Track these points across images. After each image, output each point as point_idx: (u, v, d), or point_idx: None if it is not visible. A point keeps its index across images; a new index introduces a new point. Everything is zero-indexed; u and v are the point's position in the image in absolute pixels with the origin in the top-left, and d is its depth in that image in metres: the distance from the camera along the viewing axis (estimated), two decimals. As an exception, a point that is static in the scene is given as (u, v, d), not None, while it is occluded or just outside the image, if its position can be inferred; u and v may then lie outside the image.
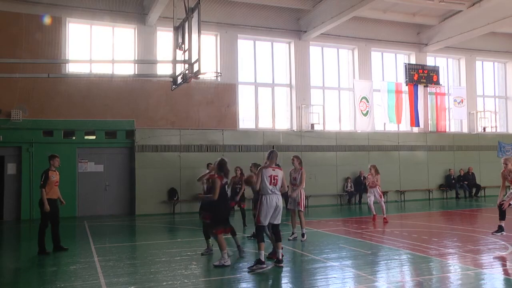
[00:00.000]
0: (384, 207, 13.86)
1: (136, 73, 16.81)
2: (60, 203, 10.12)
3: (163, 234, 13.22)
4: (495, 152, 23.01)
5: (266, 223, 8.04)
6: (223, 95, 18.18)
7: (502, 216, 9.93)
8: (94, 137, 16.83)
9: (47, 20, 15.80)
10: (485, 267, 8.01)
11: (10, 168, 15.85)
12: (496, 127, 23.26)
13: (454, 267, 8.15)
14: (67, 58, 16.55)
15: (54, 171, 9.97)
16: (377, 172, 14.00)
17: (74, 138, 16.54)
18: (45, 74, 12.87)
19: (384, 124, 21.40)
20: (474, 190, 21.83)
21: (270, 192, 8.02)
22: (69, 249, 9.97)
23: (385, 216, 13.68)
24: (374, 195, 13.87)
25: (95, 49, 17.09)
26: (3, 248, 11.30)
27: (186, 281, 7.17)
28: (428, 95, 21.87)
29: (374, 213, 13.86)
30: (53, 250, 9.78)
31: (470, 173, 21.86)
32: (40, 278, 7.88)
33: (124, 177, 17.11)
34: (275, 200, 8.04)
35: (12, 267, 8.89)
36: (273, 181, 8.11)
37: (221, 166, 8.57)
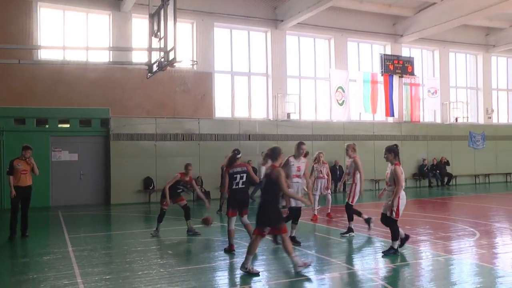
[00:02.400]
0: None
1: (111, 60, 16.53)
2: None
3: (139, 223, 13.15)
4: (467, 142, 23.57)
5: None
6: (199, 83, 18.06)
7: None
8: (68, 126, 16.55)
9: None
10: (455, 253, 8.24)
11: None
12: (467, 117, 23.78)
13: (426, 254, 8.36)
14: (39, 44, 16.14)
15: (23, 159, 10.34)
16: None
17: (47, 126, 16.23)
18: (15, 60, 12.49)
19: (360, 114, 21.63)
20: (446, 179, 22.33)
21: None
22: (28, 236, 10.23)
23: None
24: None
25: (68, 35, 16.71)
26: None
27: (161, 270, 7.17)
28: (403, 86, 22.17)
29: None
30: (21, 235, 10.19)
31: (443, 163, 22.32)
32: (12, 269, 7.76)
33: (99, 166, 16.90)
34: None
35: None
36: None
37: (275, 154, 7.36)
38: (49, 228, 11.95)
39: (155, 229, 10.36)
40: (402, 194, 7.94)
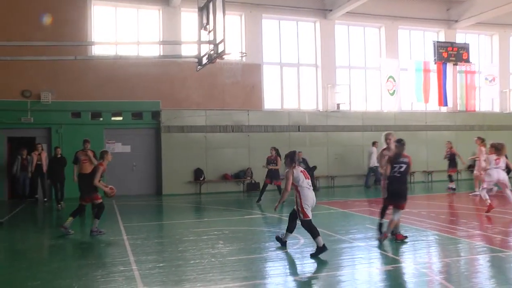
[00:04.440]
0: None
1: (162, 54, 16.86)
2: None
3: (190, 213, 13.41)
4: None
5: None
6: (248, 75, 18.10)
7: None
8: (120, 118, 17.06)
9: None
10: (516, 249, 7.86)
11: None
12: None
13: (484, 249, 8.03)
14: (93, 41, 16.70)
15: (83, 151, 12.06)
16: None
17: (101, 119, 16.81)
18: (71, 57, 13.03)
19: (412, 103, 21.01)
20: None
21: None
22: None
23: None
24: None
25: (120, 31, 17.18)
26: (36, 227, 11.65)
27: (213, 259, 7.26)
28: (458, 74, 21.30)
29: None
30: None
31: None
32: (73, 255, 8.11)
33: (151, 158, 17.33)
34: None
35: (46, 244, 9.17)
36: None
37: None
38: (104, 217, 12.31)
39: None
40: (304, 194, 7.47)
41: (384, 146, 9.37)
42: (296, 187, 7.54)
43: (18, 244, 8.99)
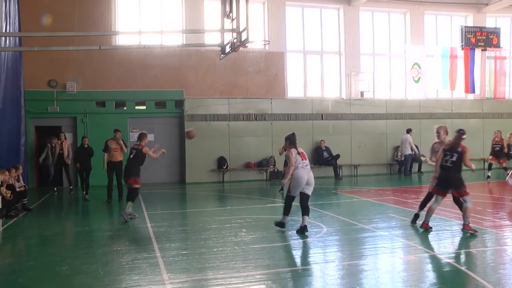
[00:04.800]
0: None
1: (185, 43, 16.89)
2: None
3: (213, 202, 13.52)
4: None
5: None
6: (271, 63, 18.02)
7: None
8: (144, 107, 17.23)
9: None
10: (544, 240, 7.71)
11: (67, 138, 16.52)
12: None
13: (511, 240, 7.88)
14: (117, 30, 16.85)
15: (114, 140, 12.55)
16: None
17: (125, 108, 17.01)
18: (96, 46, 13.15)
19: (437, 91, 20.60)
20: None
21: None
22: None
23: None
24: None
25: (144, 21, 17.27)
26: (63, 215, 11.93)
27: (236, 248, 7.33)
28: (486, 59, 20.74)
29: None
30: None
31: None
32: (99, 241, 8.29)
33: (174, 146, 17.49)
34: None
35: (73, 231, 9.39)
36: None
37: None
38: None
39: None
40: (297, 173, 8.18)
41: (436, 140, 9.13)
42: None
43: (47, 231, 9.22)
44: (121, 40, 16.91)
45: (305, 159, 8.34)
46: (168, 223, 9.53)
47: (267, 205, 12.01)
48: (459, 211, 9.71)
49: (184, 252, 7.13)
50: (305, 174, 8.23)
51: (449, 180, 8.14)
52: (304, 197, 8.29)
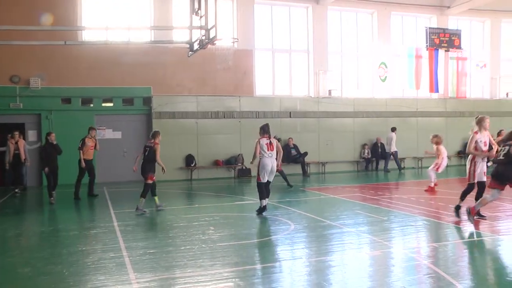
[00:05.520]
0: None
1: (153, 39, 16.71)
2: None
3: (181, 200, 13.43)
4: (517, 118, 22.57)
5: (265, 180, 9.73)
6: (240, 61, 18.02)
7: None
8: (111, 104, 16.96)
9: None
10: (503, 234, 8.00)
11: (31, 135, 16.13)
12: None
13: (471, 233, 8.15)
14: (83, 25, 16.50)
15: (90, 138, 12.95)
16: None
17: (92, 105, 16.70)
18: (61, 42, 12.88)
19: (403, 90, 21.06)
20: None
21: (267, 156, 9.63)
22: (98, 195, 12.91)
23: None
24: None
25: (111, 16, 16.95)
26: (28, 213, 11.62)
27: (203, 246, 7.31)
28: (449, 60, 21.33)
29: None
30: (87, 195, 12.96)
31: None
32: (63, 241, 8.11)
33: (142, 144, 17.11)
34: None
35: (37, 231, 9.16)
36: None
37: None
38: (95, 203, 12.38)
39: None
40: (263, 162, 9.56)
41: (476, 129, 9.25)
42: (261, 155, 9.57)
43: (8, 232, 8.96)
44: (87, 35, 16.57)
45: (271, 150, 9.59)
46: (135, 222, 9.43)
47: (235, 203, 12.02)
48: (424, 207, 9.99)
49: (151, 251, 7.06)
50: (269, 162, 9.55)
51: (503, 173, 8.27)
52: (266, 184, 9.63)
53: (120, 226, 8.89)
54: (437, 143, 13.42)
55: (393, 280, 5.74)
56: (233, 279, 5.77)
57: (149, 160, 10.47)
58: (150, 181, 10.46)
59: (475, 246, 7.35)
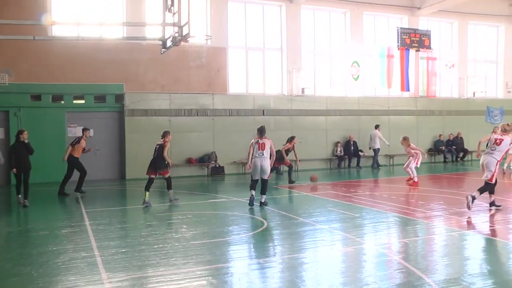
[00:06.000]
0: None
1: (125, 36, 16.46)
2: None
3: (154, 198, 13.28)
4: (484, 117, 23.22)
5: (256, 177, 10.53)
6: (213, 58, 17.96)
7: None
8: (83, 102, 16.66)
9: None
10: (469, 228, 8.23)
11: (-1, 132, 15.74)
12: (485, 92, 23.32)
13: (440, 229, 8.36)
14: (53, 20, 16.11)
15: (85, 139, 13.17)
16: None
17: (62, 102, 16.37)
18: (30, 36, 12.57)
19: (375, 88, 21.37)
20: (461, 154, 22.14)
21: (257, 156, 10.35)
22: (86, 192, 12.88)
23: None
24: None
25: (82, 11, 16.65)
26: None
27: (176, 244, 7.28)
28: (420, 60, 21.76)
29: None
30: (75, 190, 12.86)
31: (459, 138, 22.08)
32: (33, 241, 7.95)
33: (114, 142, 17.07)
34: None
35: (4, 231, 8.94)
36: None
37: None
38: (66, 202, 12.17)
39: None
40: (253, 161, 10.33)
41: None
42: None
43: (-25, 231, 8.74)
44: (58, 30, 16.21)
45: (262, 150, 10.21)
46: (107, 221, 9.31)
47: (209, 201, 12.01)
48: (396, 203, 10.19)
49: (123, 250, 6.99)
50: (258, 162, 10.22)
51: None
52: (261, 181, 10.40)
53: (92, 225, 8.77)
54: (408, 145, 14.15)
55: (365, 276, 5.85)
56: (206, 277, 5.77)
57: (160, 157, 11.22)
58: (167, 175, 11.37)
59: (444, 241, 7.54)
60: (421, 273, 5.68)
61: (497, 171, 9.53)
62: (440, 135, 21.96)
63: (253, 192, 10.40)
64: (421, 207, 10.21)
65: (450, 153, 21.90)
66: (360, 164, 19.90)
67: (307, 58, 20.03)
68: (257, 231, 8.13)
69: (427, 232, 8.17)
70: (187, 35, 10.99)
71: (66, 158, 12.85)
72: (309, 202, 11.46)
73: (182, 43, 11.82)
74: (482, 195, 9.51)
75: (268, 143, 10.35)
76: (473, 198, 9.32)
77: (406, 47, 20.96)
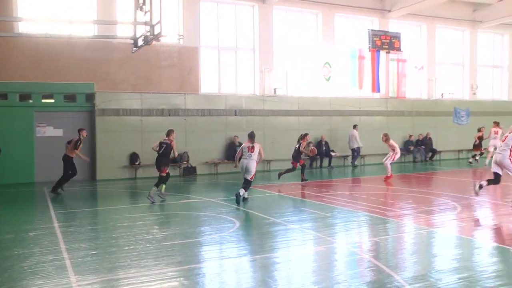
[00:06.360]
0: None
1: (96, 34, 16.19)
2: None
3: (125, 199, 13.17)
4: (452, 118, 23.81)
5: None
6: (185, 58, 17.85)
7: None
8: (52, 101, 16.30)
9: None
10: (437, 226, 8.42)
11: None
12: (453, 93, 23.91)
13: (409, 227, 8.53)
14: (19, 17, 15.71)
15: (82, 140, 13.28)
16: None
17: (31, 101, 15.98)
18: (-5, 34, 12.25)
19: (346, 89, 21.61)
20: (430, 154, 22.63)
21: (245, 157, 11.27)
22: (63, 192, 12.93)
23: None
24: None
25: (52, 8, 16.29)
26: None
27: (148, 245, 7.21)
28: (390, 61, 22.13)
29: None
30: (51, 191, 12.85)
31: (428, 138, 22.57)
32: (-2, 244, 7.75)
33: (85, 142, 16.71)
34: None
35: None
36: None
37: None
38: (34, 204, 11.90)
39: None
40: (241, 161, 11.34)
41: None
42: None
43: None
44: (25, 27, 15.81)
45: (251, 152, 11.18)
46: (77, 223, 9.15)
47: (181, 201, 11.93)
48: (366, 202, 10.33)
49: (93, 252, 6.88)
50: (245, 162, 11.16)
51: None
52: (244, 180, 11.19)
53: (61, 227, 8.59)
54: (387, 140, 15.08)
55: (336, 274, 5.92)
56: (178, 278, 5.74)
57: (164, 155, 11.46)
58: (164, 174, 11.49)
59: (413, 239, 7.70)
60: (391, 271, 5.79)
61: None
62: (410, 136, 22.40)
63: (242, 191, 10.97)
64: (391, 206, 10.40)
65: (419, 153, 22.36)
66: (332, 164, 20.11)
67: (279, 59, 20.11)
68: (228, 231, 8.12)
69: (396, 231, 8.33)
70: (159, 34, 10.90)
71: (72, 155, 13.14)
72: (281, 202, 11.53)
73: (154, 42, 11.72)
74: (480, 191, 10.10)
75: (257, 147, 11.27)
76: (481, 186, 10.02)
77: (376, 49, 21.30)
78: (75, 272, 5.87)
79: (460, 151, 23.67)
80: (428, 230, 8.11)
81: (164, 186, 11.63)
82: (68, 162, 13.11)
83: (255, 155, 11.21)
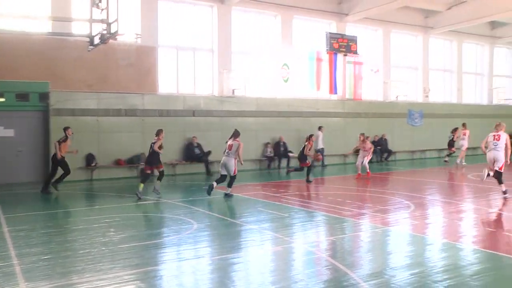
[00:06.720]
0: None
1: (51, 31, 15.66)
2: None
3: (81, 201, 12.84)
4: (406, 119, 24.54)
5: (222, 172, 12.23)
6: (143, 57, 17.58)
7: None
8: (3, 100, 15.67)
9: None
10: (391, 225, 8.66)
11: None
12: (407, 96, 24.66)
13: (365, 226, 8.73)
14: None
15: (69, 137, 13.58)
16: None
17: (-21, 100, 15.35)
18: None
19: (304, 91, 21.87)
20: (385, 155, 23.23)
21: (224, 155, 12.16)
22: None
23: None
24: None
25: (5, 1, 15.65)
26: None
27: (103, 248, 7.06)
28: (347, 64, 22.57)
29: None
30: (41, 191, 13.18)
31: (383, 139, 23.15)
32: None
33: (38, 143, 16.20)
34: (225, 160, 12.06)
35: None
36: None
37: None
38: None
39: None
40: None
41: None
42: None
43: None
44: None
45: (228, 150, 12.01)
46: (29, 226, 8.82)
47: (138, 203, 11.73)
48: (323, 202, 10.50)
49: (46, 257, 6.66)
50: (224, 160, 12.04)
51: None
52: (229, 177, 12.02)
53: (11, 231, 8.27)
54: (364, 141, 16.49)
55: (294, 274, 5.99)
56: (134, 281, 5.65)
57: (154, 153, 12.19)
58: (161, 168, 12.43)
59: (368, 238, 7.89)
60: (347, 269, 5.91)
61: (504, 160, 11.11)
62: (367, 137, 22.85)
63: (215, 184, 11.86)
64: (347, 206, 10.60)
65: (375, 153, 22.88)
66: (290, 165, 20.28)
67: (238, 59, 20.13)
68: (186, 232, 8.06)
69: (353, 230, 8.51)
70: (116, 32, 10.71)
71: (60, 154, 13.26)
72: (239, 203, 11.54)
73: (111, 41, 11.50)
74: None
75: (236, 144, 12.02)
76: (488, 174, 11.00)
77: (334, 51, 21.67)
78: (25, 279, 5.66)
79: (414, 151, 24.43)
80: (383, 229, 8.34)
81: (142, 185, 11.98)
82: (60, 162, 13.32)
83: (232, 153, 11.96)
